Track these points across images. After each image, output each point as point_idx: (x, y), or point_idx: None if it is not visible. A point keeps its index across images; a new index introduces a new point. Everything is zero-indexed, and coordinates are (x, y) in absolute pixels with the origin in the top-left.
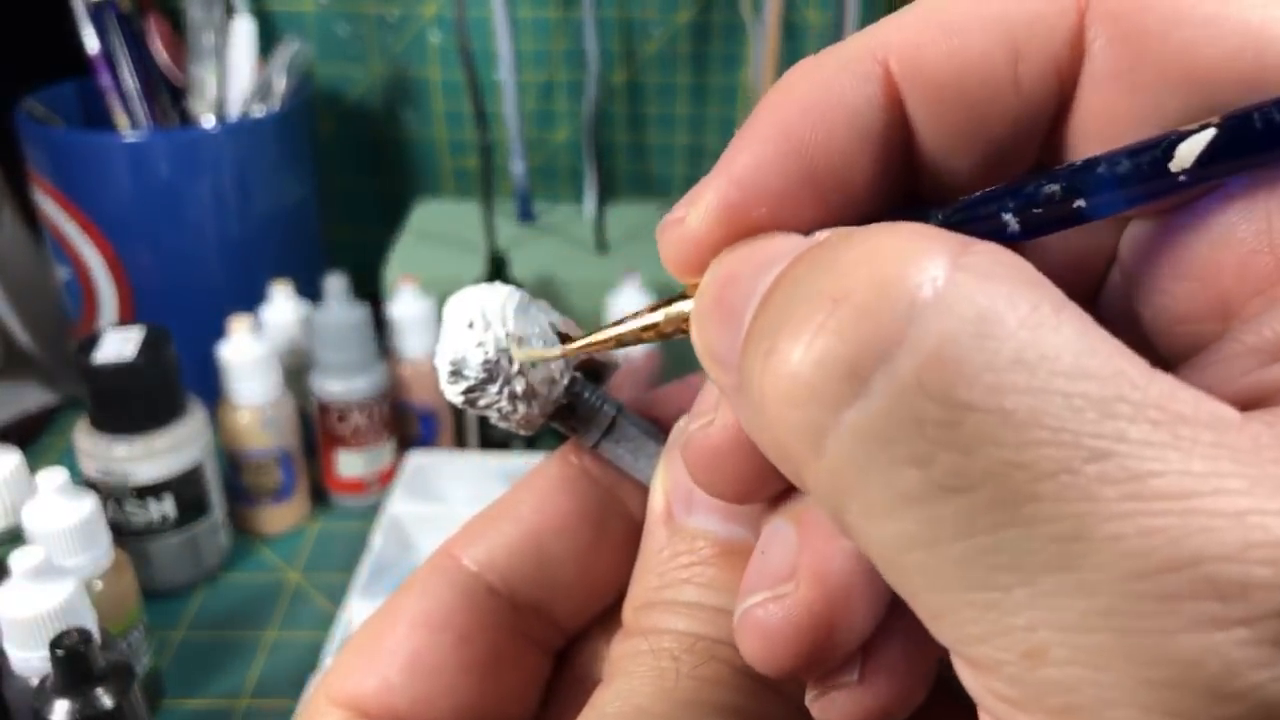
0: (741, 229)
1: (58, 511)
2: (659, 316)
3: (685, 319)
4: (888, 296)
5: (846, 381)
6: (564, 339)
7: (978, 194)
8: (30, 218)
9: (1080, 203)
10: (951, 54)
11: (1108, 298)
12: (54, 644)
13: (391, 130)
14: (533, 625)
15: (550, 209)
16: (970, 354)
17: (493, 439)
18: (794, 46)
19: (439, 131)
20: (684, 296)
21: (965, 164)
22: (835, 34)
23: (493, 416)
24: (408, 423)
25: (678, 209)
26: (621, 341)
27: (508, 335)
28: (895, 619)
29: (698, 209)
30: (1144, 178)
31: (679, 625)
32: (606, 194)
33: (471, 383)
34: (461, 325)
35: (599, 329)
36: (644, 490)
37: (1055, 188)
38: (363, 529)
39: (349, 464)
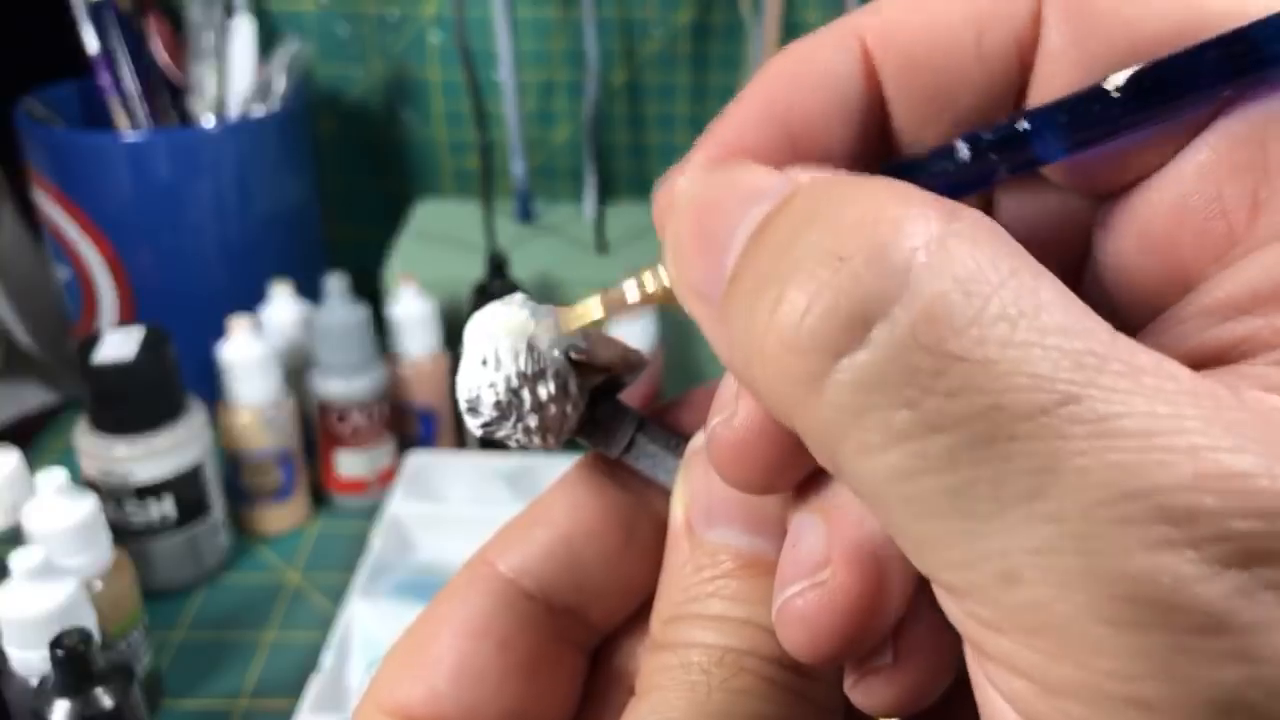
0: None
1: (58, 512)
2: (653, 285)
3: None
4: (886, 259)
5: (847, 333)
6: (579, 368)
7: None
8: (30, 218)
9: (1024, 124)
10: (921, 28)
11: (1086, 289)
12: (54, 644)
13: (391, 130)
14: (568, 627)
15: (550, 209)
16: (958, 310)
17: (492, 440)
18: None
19: (439, 131)
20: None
21: (932, 136)
22: None
23: (511, 445)
24: (408, 423)
25: (676, 167)
26: (611, 310)
27: (518, 375)
28: (922, 602)
29: (687, 169)
30: (1084, 98)
31: (707, 639)
32: (606, 194)
33: (485, 419)
34: (475, 361)
35: (589, 300)
36: (670, 494)
37: (1003, 120)
38: (363, 529)
39: (349, 464)
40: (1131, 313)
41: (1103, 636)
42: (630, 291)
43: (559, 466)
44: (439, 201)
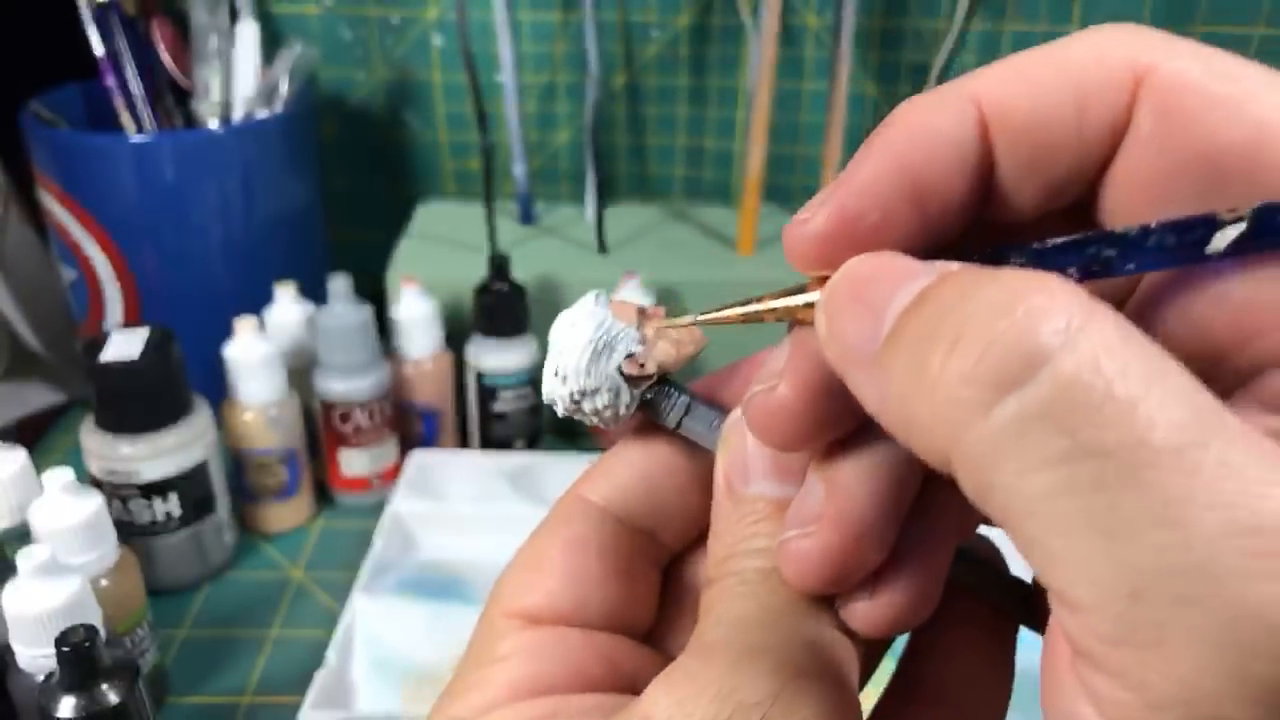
0: (857, 230)
1: (64, 510)
2: (783, 304)
3: (800, 309)
4: (1051, 319)
5: (1018, 371)
6: (630, 380)
7: (1049, 244)
8: (36, 219)
9: (1130, 265)
10: (1032, 105)
11: None
12: (60, 641)
13: (394, 133)
14: (647, 545)
15: (551, 210)
16: (1110, 364)
17: (494, 438)
18: (792, 50)
19: (441, 134)
20: (800, 290)
21: (1030, 192)
22: (833, 37)
23: (586, 424)
24: (410, 422)
25: (803, 213)
26: (747, 319)
27: (579, 390)
28: (902, 557)
29: (821, 212)
30: (1184, 255)
31: (756, 564)
32: (607, 195)
33: (561, 412)
34: (551, 371)
35: (728, 307)
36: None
37: (1111, 253)
38: (366, 527)
39: (352, 462)
40: None
41: (1213, 657)
42: (761, 306)
43: (559, 465)
44: (441, 203)
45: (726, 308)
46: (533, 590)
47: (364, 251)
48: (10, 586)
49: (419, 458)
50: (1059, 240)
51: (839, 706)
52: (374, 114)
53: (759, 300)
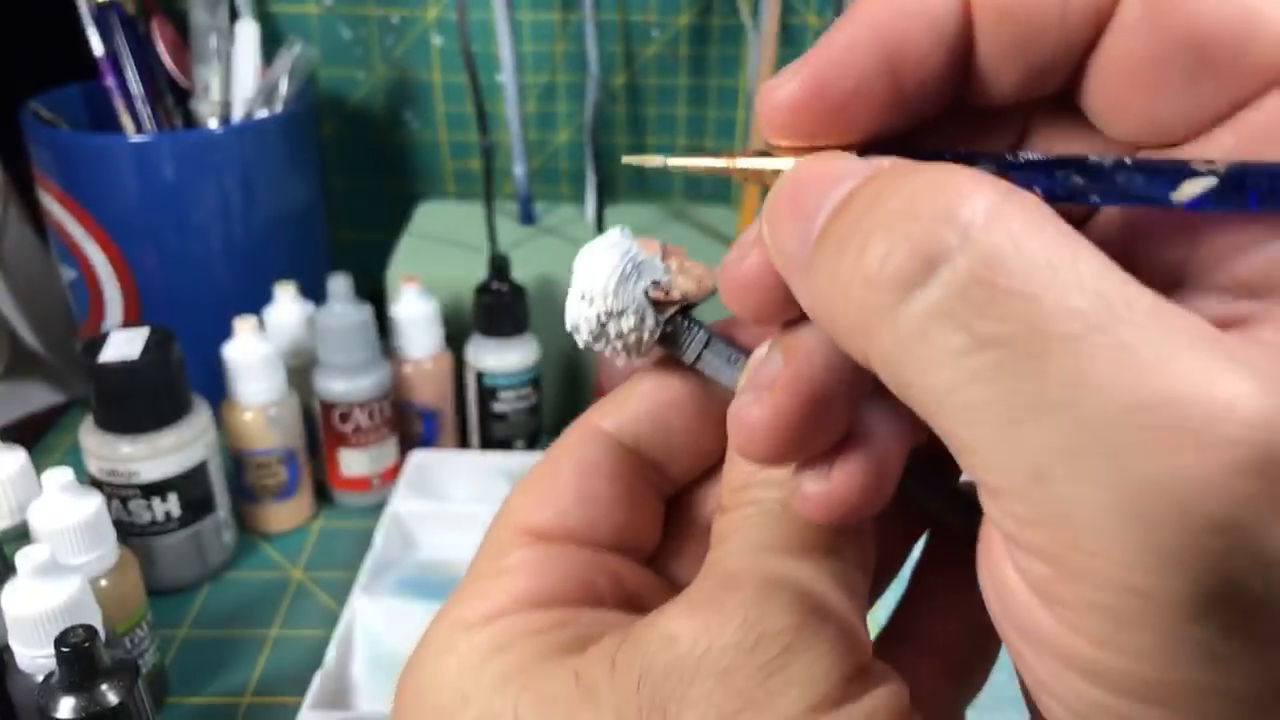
0: (829, 98)
1: (63, 510)
2: (753, 165)
3: (769, 174)
4: (951, 217)
5: (918, 272)
6: (656, 304)
7: (1021, 158)
8: (36, 219)
9: (1094, 198)
10: None
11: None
12: (59, 641)
13: (394, 132)
14: (654, 475)
15: (551, 210)
16: (1009, 256)
17: (493, 438)
18: (792, 50)
19: (441, 133)
20: (767, 154)
21: (1011, 75)
22: None
23: (607, 354)
24: (410, 422)
25: (776, 79)
26: (712, 172)
27: (606, 312)
28: (857, 439)
29: (794, 79)
30: (1149, 198)
31: (772, 494)
32: (607, 195)
33: (583, 341)
34: (576, 296)
35: (701, 157)
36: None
37: (1080, 181)
38: (366, 527)
39: (352, 462)
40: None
41: (1117, 530)
42: (733, 163)
43: None
44: (441, 203)
45: (699, 157)
46: (543, 508)
47: (364, 251)
48: (10, 586)
49: (419, 458)
50: (1030, 156)
51: (852, 639)
52: (374, 114)
53: (730, 156)
